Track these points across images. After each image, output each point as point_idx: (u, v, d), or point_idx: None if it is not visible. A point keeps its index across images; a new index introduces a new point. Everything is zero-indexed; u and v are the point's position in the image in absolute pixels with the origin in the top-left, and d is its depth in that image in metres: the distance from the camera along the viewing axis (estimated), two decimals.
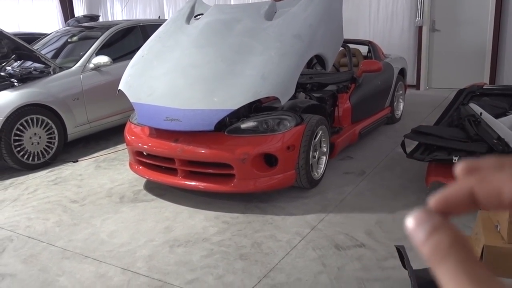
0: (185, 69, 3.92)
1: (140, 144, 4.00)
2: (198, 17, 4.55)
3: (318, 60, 4.25)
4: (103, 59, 5.55)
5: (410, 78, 7.97)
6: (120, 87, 4.21)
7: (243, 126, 3.72)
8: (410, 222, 0.35)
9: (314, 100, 4.36)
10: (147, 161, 4.03)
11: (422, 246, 0.33)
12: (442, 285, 0.32)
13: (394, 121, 6.05)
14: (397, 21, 8.06)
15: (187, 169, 3.78)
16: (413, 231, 0.34)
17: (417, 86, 8.07)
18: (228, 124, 3.75)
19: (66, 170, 4.98)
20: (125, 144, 5.67)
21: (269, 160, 3.73)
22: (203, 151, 3.63)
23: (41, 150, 5.06)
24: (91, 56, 5.64)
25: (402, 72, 6.16)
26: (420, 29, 7.86)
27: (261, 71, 3.61)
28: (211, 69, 3.80)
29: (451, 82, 7.90)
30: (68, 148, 5.58)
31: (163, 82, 3.93)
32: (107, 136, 6.12)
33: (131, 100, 4.01)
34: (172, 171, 3.89)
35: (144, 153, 4.08)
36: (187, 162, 3.78)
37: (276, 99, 4.13)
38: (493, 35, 7.35)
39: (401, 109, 6.25)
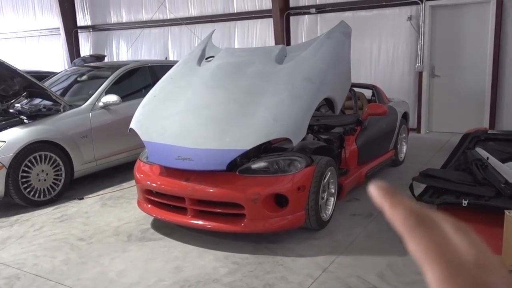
0: (197, 109, 3.99)
1: (150, 183, 4.01)
2: (209, 59, 4.67)
3: (327, 103, 4.34)
4: (112, 98, 5.64)
5: (411, 122, 8.08)
6: (132, 125, 4.27)
7: (254, 166, 3.76)
8: (374, 191, 0.38)
9: (322, 142, 4.43)
10: (157, 199, 4.04)
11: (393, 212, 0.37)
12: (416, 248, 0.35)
13: (398, 164, 6.11)
14: (398, 66, 8.27)
15: (197, 208, 3.79)
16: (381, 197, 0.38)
17: (417, 130, 8.19)
18: (239, 164, 3.79)
19: (72, 207, 4.96)
20: (131, 182, 5.72)
21: (279, 200, 3.75)
22: (214, 190, 3.65)
23: (47, 187, 5.05)
24: (100, 95, 5.73)
25: (405, 116, 6.28)
26: (420, 74, 8.06)
27: (273, 113, 3.68)
28: (223, 109, 3.88)
29: (451, 126, 8.04)
30: (74, 185, 5.57)
31: (175, 121, 3.99)
32: (113, 173, 6.13)
33: (143, 139, 4.06)
34: (182, 210, 3.89)
35: (153, 192, 4.09)
36: (197, 201, 3.79)
37: (285, 140, 4.20)
38: (491, 81, 7.54)
39: (404, 151, 6.32)
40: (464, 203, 3.47)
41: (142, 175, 4.17)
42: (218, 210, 3.72)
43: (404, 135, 6.28)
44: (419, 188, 4.22)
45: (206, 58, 4.72)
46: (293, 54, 4.31)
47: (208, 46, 4.89)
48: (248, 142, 3.58)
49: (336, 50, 4.26)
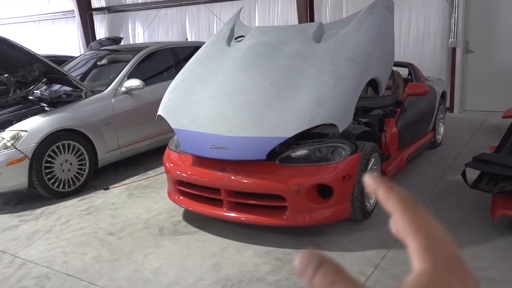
0: (230, 94, 3.71)
1: (182, 173, 3.77)
2: (239, 39, 4.36)
3: (369, 84, 4.02)
4: (135, 82, 5.38)
5: None
6: (160, 112, 4.00)
7: (295, 154, 3.49)
8: (298, 263, 0.39)
9: (362, 125, 4.12)
10: (190, 191, 3.79)
11: (311, 281, 0.38)
12: None
13: (435, 146, 5.77)
14: (429, 42, 7.84)
15: (234, 200, 3.53)
16: (302, 270, 0.39)
17: (450, 109, 7.80)
18: (278, 152, 3.51)
19: (98, 198, 4.76)
20: (156, 170, 5.50)
21: (321, 191, 3.48)
22: (253, 181, 3.39)
23: (71, 177, 4.85)
24: (122, 80, 5.47)
25: (443, 95, 5.92)
26: (453, 50, 7.64)
27: (315, 96, 3.38)
28: (260, 94, 3.58)
29: (486, 105, 7.64)
30: (97, 175, 5.36)
31: (207, 107, 3.71)
32: (136, 161, 5.91)
33: (173, 126, 3.80)
34: (217, 202, 3.65)
35: (185, 182, 3.85)
36: (234, 193, 3.54)
37: (323, 124, 3.90)
38: None
39: (442, 133, 5.98)
40: None
41: (172, 165, 3.93)
42: (257, 202, 3.46)
43: (442, 115, 5.93)
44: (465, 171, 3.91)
45: (236, 38, 4.41)
46: (331, 32, 3.97)
47: (237, 25, 4.58)
48: (290, 129, 3.30)
49: (380, 27, 3.91)
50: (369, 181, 0.45)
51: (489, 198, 3.65)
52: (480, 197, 4.00)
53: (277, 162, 3.44)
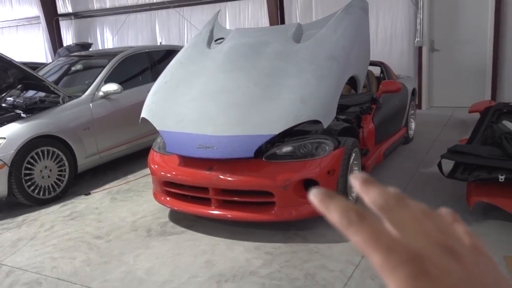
0: (214, 94, 3.78)
1: (169, 174, 3.80)
2: (219, 41, 4.43)
3: (348, 81, 4.16)
4: (112, 86, 5.36)
5: None
6: (143, 115, 4.03)
7: (280, 151, 3.58)
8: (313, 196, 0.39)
9: (342, 122, 4.27)
10: (177, 191, 3.83)
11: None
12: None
13: (408, 141, 6.00)
14: (396, 43, 8.12)
15: (223, 199, 3.60)
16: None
17: (419, 106, 8.09)
18: (264, 150, 3.60)
19: (79, 203, 4.72)
20: (136, 173, 5.49)
21: (306, 185, 3.59)
22: (241, 179, 3.46)
23: (51, 184, 4.80)
24: (99, 84, 5.45)
25: (414, 92, 6.16)
26: (420, 49, 7.94)
27: (299, 94, 3.49)
28: (244, 93, 3.67)
29: (452, 101, 7.97)
30: (77, 181, 5.31)
31: (192, 108, 3.77)
32: (115, 166, 5.88)
33: (158, 128, 3.83)
34: (205, 201, 3.70)
35: (170, 183, 3.88)
36: (222, 191, 3.60)
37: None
38: (492, 53, 7.46)
39: (413, 128, 6.22)
40: (501, 179, 3.36)
41: (157, 166, 3.96)
42: (246, 199, 3.54)
43: (412, 111, 6.17)
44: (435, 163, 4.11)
45: (216, 40, 4.48)
46: (310, 32, 4.10)
47: (216, 27, 4.65)
48: (276, 127, 3.40)
49: (357, 27, 4.07)
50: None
51: (464, 187, 3.85)
52: (455, 186, 4.19)
53: (263, 159, 3.53)
